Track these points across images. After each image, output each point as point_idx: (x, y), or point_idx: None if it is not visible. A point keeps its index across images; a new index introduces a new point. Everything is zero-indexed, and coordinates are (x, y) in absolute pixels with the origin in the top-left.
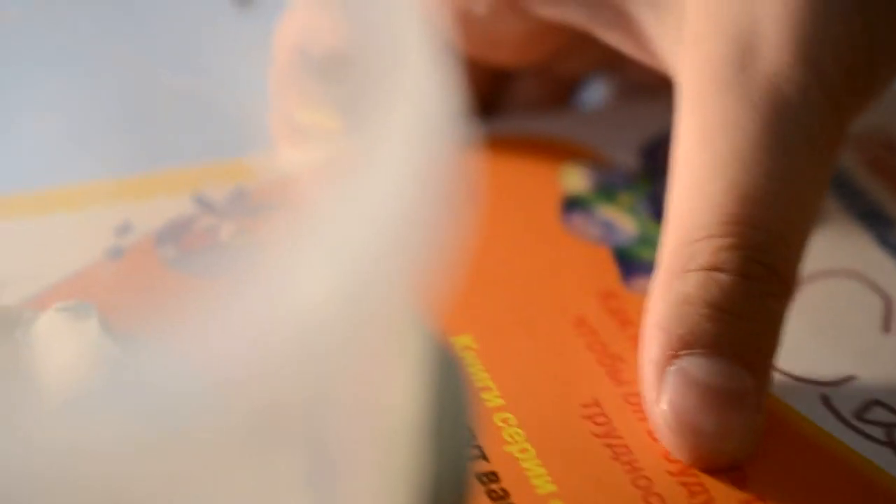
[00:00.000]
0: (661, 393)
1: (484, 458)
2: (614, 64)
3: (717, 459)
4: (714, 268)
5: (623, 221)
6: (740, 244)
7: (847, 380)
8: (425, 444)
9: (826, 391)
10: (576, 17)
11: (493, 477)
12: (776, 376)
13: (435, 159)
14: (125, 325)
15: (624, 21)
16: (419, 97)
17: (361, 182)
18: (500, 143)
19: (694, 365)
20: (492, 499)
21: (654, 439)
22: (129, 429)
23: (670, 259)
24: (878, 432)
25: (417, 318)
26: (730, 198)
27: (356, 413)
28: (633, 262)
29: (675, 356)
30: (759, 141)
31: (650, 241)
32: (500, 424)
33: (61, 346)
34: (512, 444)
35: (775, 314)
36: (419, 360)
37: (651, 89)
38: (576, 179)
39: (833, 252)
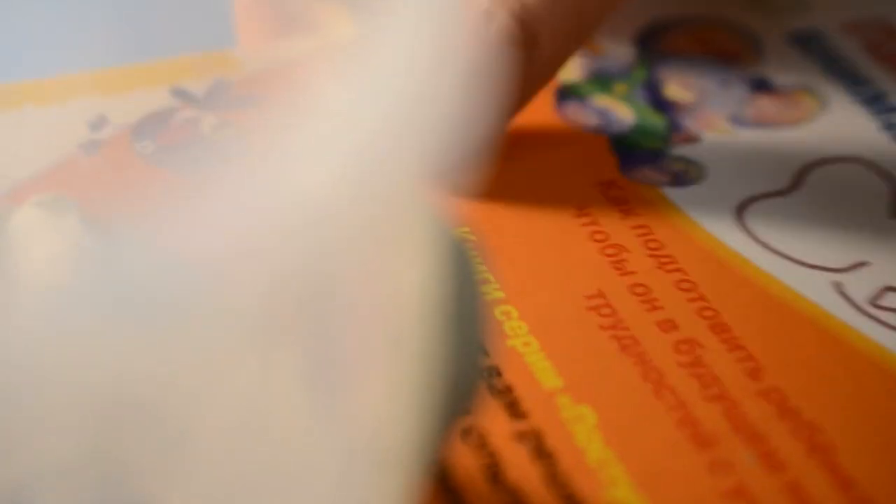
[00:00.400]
0: None
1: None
2: None
3: None
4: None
5: (619, 110)
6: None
7: (859, 266)
8: (438, 337)
9: (838, 278)
10: None
11: (495, 371)
12: (787, 264)
13: (451, 38)
14: (104, 219)
15: None
16: None
17: (368, 61)
18: None
19: None
20: (495, 394)
21: (664, 330)
22: (115, 324)
23: None
24: (893, 319)
25: (427, 205)
26: None
27: (365, 305)
28: (632, 151)
29: None
30: None
31: (648, 129)
32: (501, 318)
33: (40, 239)
34: (514, 337)
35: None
36: (430, 248)
37: None
38: (568, 69)
39: (838, 139)
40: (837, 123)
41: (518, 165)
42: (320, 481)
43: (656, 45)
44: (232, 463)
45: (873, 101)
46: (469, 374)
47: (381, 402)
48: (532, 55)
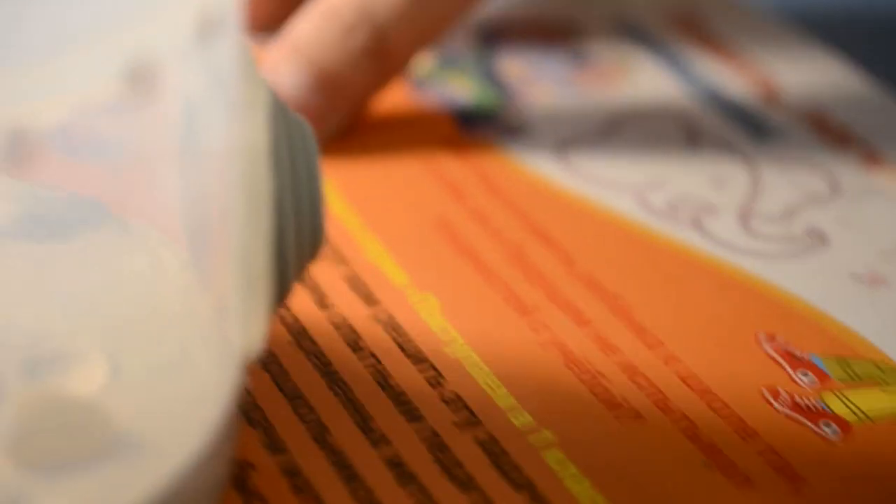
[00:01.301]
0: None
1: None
2: None
3: None
4: (347, 25)
5: (462, 90)
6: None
7: (660, 182)
8: (282, 192)
9: (641, 192)
10: None
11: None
12: (598, 187)
13: None
14: None
15: None
16: None
17: None
18: None
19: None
20: (353, 288)
21: (494, 239)
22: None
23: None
24: (685, 218)
25: (257, 75)
26: None
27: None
28: (472, 119)
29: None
30: None
31: (486, 101)
32: (361, 239)
33: None
34: (370, 252)
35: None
36: (266, 114)
37: None
38: (420, 62)
39: (647, 96)
40: (648, 84)
41: (376, 139)
42: (199, 316)
43: (497, 39)
44: None
45: (682, 69)
46: (310, 226)
47: (240, 243)
48: (384, 63)
